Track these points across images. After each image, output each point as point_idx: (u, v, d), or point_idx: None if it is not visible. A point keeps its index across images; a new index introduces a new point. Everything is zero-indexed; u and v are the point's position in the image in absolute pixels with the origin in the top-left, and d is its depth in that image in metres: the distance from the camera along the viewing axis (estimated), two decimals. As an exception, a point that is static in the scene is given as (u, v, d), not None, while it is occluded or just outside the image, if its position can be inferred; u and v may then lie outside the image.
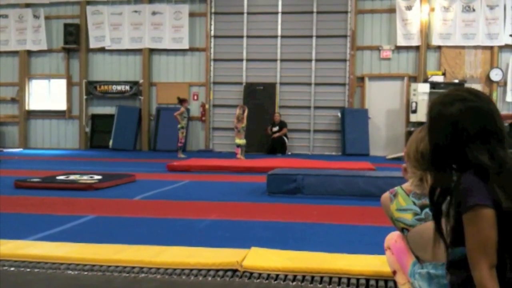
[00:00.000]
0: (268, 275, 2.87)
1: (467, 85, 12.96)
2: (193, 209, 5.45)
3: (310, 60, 15.09)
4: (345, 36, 14.91)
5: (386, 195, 2.40)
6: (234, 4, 15.37)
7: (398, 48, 14.66)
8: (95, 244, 3.48)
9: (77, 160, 12.27)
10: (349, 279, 2.82)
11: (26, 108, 16.51)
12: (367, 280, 2.80)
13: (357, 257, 3.15)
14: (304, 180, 6.39)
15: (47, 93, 16.70)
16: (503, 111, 13.70)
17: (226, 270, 2.93)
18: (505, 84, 14.23)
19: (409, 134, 14.13)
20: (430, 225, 2.21)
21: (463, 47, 14.33)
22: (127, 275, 2.92)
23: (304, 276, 2.86)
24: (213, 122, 15.67)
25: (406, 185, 2.37)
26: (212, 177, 8.48)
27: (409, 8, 14.42)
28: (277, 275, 2.87)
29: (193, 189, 7.09)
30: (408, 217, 2.28)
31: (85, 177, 7.33)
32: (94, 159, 12.50)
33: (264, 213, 5.28)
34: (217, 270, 2.93)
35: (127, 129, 15.45)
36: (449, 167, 1.68)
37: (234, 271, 2.92)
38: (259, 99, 14.95)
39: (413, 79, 14.60)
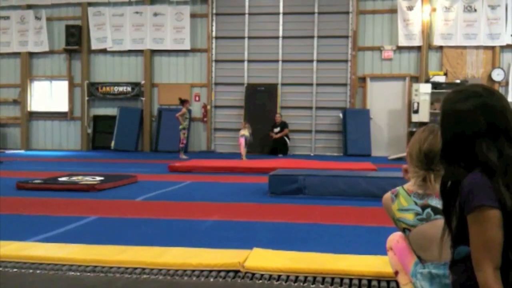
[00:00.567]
0: (270, 275, 2.87)
1: (465, 85, 12.93)
2: (195, 210, 5.46)
3: (311, 61, 15.08)
4: (346, 37, 14.90)
5: (387, 195, 2.40)
6: (236, 5, 15.37)
7: (400, 49, 14.65)
8: (97, 245, 3.49)
9: (79, 161, 12.28)
10: (351, 279, 2.82)
11: (28, 109, 16.53)
12: (369, 281, 2.80)
13: (359, 257, 3.15)
14: (306, 181, 6.39)
15: (49, 95, 16.72)
16: (505, 111, 13.65)
17: (228, 271, 2.93)
18: (506, 84, 14.21)
19: (411, 134, 14.13)
20: (432, 225, 2.22)
21: (464, 47, 14.32)
22: (129, 276, 2.92)
23: (306, 277, 2.86)
24: (214, 123, 15.67)
25: (407, 185, 2.37)
26: (214, 178, 8.48)
27: (410, 8, 14.41)
28: (279, 276, 2.87)
29: (195, 190, 7.09)
30: (409, 217, 2.28)
31: (87, 178, 7.33)
32: (96, 160, 12.51)
33: (266, 214, 5.28)
34: (219, 271, 2.93)
35: (129, 130, 15.46)
36: (459, 161, 1.68)
37: (236, 272, 2.92)
38: (260, 100, 14.95)
39: (415, 79, 14.59)
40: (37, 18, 16.23)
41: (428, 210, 2.24)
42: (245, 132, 12.80)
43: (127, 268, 3.00)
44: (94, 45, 15.95)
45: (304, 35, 15.06)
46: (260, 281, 2.83)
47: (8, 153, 14.33)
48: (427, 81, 14.13)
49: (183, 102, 13.00)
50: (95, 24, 15.88)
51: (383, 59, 14.77)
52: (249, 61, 15.37)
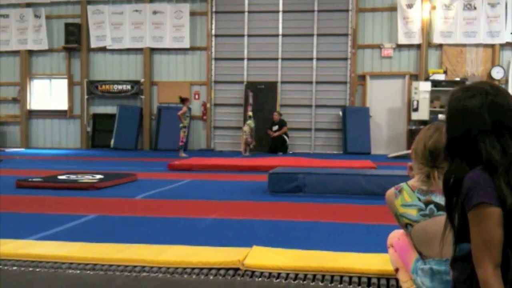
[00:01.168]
0: (270, 273, 2.87)
1: (468, 83, 12.94)
2: (195, 208, 5.46)
3: (311, 59, 15.07)
4: (346, 35, 14.89)
5: (391, 191, 2.42)
6: (235, 3, 15.35)
7: (399, 47, 14.64)
8: (97, 244, 3.48)
9: (78, 159, 12.28)
10: (351, 277, 2.82)
11: (28, 107, 16.52)
12: (369, 279, 2.80)
13: (358, 255, 3.15)
14: (306, 179, 6.39)
15: (49, 93, 16.71)
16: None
17: (227, 269, 2.93)
18: (506, 82, 14.20)
19: (410, 132, 14.15)
20: (434, 221, 2.22)
21: (464, 45, 14.31)
22: (129, 274, 2.92)
23: (305, 275, 2.85)
24: (214, 121, 15.67)
25: (411, 181, 2.39)
26: (213, 176, 8.48)
27: (410, 6, 14.40)
28: (279, 274, 2.87)
29: (195, 188, 7.09)
30: (412, 212, 2.29)
31: (86, 177, 7.33)
32: (96, 158, 12.51)
33: (265, 212, 5.28)
34: (219, 269, 2.93)
35: (128, 128, 15.45)
36: (463, 158, 1.68)
37: (236, 270, 2.92)
38: (260, 98, 14.94)
39: (414, 77, 14.58)
40: (37, 16, 16.21)
41: (431, 206, 2.25)
42: (246, 128, 13.05)
43: (126, 266, 3.00)
44: (94, 43, 15.94)
45: (303, 33, 15.06)
46: (260, 279, 2.83)
47: (7, 152, 14.33)
48: (426, 79, 14.13)
49: (183, 100, 13.00)
50: (95, 22, 15.86)
51: (382, 57, 14.77)
52: (248, 59, 15.36)
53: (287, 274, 2.86)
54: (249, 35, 15.32)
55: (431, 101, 13.91)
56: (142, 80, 15.78)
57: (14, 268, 3.02)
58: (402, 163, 10.49)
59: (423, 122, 13.84)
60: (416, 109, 13.96)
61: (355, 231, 4.30)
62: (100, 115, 16.21)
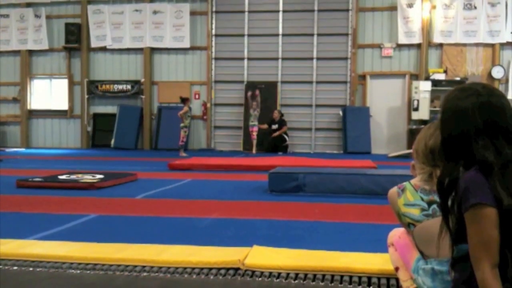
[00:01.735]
0: (270, 273, 2.87)
1: (467, 82, 12.94)
2: (195, 208, 5.45)
3: (311, 59, 15.07)
4: (346, 34, 14.89)
5: (393, 190, 2.41)
6: (235, 2, 15.36)
7: (400, 46, 14.64)
8: (97, 243, 3.48)
9: (79, 159, 12.28)
10: (351, 277, 2.81)
11: (28, 107, 16.53)
12: (369, 278, 2.79)
13: (359, 255, 3.14)
14: (306, 179, 6.39)
15: (49, 93, 16.71)
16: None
17: (228, 269, 2.93)
18: (506, 81, 14.21)
19: (411, 132, 14.15)
20: (437, 221, 2.21)
21: (464, 45, 14.31)
22: (129, 273, 2.92)
23: (306, 274, 2.85)
24: (214, 121, 15.68)
25: (414, 181, 2.38)
26: (214, 175, 8.48)
27: (410, 5, 14.40)
28: (279, 273, 2.87)
29: (195, 187, 7.09)
30: (415, 212, 2.29)
31: (87, 176, 7.33)
32: (96, 158, 12.51)
33: (265, 212, 5.28)
34: (219, 269, 2.93)
35: (128, 128, 15.46)
36: (457, 160, 1.68)
37: (236, 269, 2.92)
38: (260, 98, 14.93)
39: (415, 77, 14.58)
40: (37, 16, 16.22)
41: (434, 206, 2.25)
42: (255, 121, 13.86)
43: (127, 266, 3.00)
44: (94, 43, 15.94)
45: (303, 32, 15.06)
46: (260, 278, 2.83)
47: (8, 151, 14.33)
48: (427, 78, 14.12)
49: (184, 100, 13.02)
50: (95, 22, 15.86)
51: (383, 56, 14.77)
52: (248, 59, 15.36)
53: (288, 274, 2.86)
54: (249, 35, 15.32)
55: (431, 101, 13.91)
56: (142, 80, 15.78)
57: (14, 268, 3.02)
58: (402, 162, 10.51)
59: (423, 122, 13.84)
60: (416, 109, 13.95)
61: (355, 231, 4.30)
62: (100, 114, 16.21)
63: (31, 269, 2.99)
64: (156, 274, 2.91)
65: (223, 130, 15.57)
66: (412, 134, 14.07)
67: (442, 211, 1.73)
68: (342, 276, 2.82)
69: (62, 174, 7.60)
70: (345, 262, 2.94)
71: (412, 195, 2.32)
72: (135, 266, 2.99)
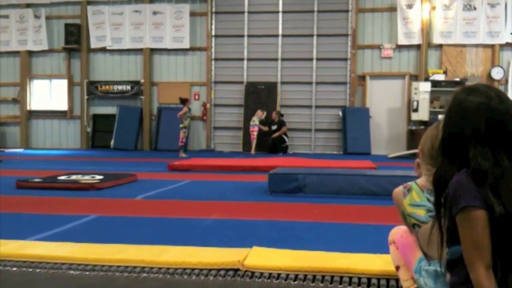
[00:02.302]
0: (270, 274, 2.87)
1: (467, 83, 12.94)
2: (195, 209, 5.46)
3: (311, 59, 15.08)
4: (346, 35, 14.90)
5: (399, 190, 2.38)
6: (235, 3, 15.36)
7: (399, 47, 14.64)
8: (97, 244, 3.48)
9: (78, 160, 12.28)
10: (350, 278, 2.82)
11: (28, 108, 16.53)
12: (369, 279, 2.80)
13: (359, 256, 3.14)
14: (306, 179, 6.39)
15: (48, 93, 16.71)
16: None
17: (227, 270, 2.93)
18: (506, 82, 14.21)
19: (410, 132, 14.16)
20: None
21: (464, 46, 14.32)
22: (129, 274, 2.92)
23: (305, 275, 2.86)
24: (214, 122, 15.67)
25: (420, 181, 2.35)
26: (213, 176, 8.48)
27: (410, 6, 14.41)
28: (279, 274, 2.87)
29: (195, 188, 7.09)
30: (421, 213, 2.27)
31: (86, 177, 7.33)
32: (96, 159, 12.51)
33: (265, 213, 5.28)
34: (219, 270, 2.93)
35: (128, 128, 15.46)
36: (454, 160, 1.68)
37: (236, 270, 2.92)
38: (260, 98, 14.95)
39: (414, 77, 14.58)
40: (37, 16, 16.22)
41: None
42: (256, 121, 13.83)
43: (127, 267, 3.00)
44: (94, 44, 15.94)
45: (303, 33, 15.06)
46: (260, 279, 2.83)
47: (7, 152, 14.33)
48: (426, 79, 14.13)
49: (183, 101, 13.02)
50: (95, 22, 15.87)
51: (382, 57, 14.77)
52: (248, 59, 15.36)
53: (287, 275, 2.87)
54: (249, 36, 15.32)
55: (431, 102, 13.92)
56: (142, 80, 15.78)
57: (14, 268, 3.02)
58: (402, 163, 10.51)
59: (423, 123, 13.85)
60: (416, 110, 13.96)
61: (355, 232, 4.30)
62: (100, 115, 16.21)
63: (31, 270, 3.00)
64: (156, 275, 2.91)
65: (223, 131, 15.57)
66: (411, 135, 14.09)
67: (435, 207, 1.74)
68: (341, 277, 2.82)
69: (61, 175, 7.60)
70: (345, 263, 2.94)
71: (418, 196, 2.30)
72: (135, 267, 2.99)
